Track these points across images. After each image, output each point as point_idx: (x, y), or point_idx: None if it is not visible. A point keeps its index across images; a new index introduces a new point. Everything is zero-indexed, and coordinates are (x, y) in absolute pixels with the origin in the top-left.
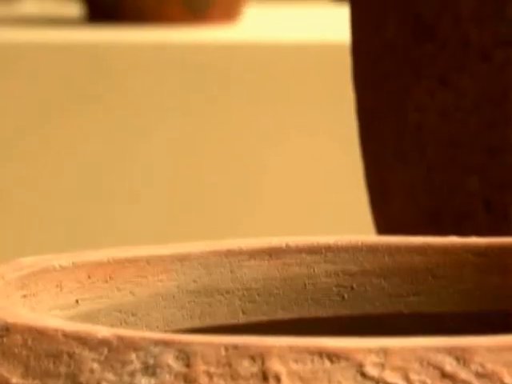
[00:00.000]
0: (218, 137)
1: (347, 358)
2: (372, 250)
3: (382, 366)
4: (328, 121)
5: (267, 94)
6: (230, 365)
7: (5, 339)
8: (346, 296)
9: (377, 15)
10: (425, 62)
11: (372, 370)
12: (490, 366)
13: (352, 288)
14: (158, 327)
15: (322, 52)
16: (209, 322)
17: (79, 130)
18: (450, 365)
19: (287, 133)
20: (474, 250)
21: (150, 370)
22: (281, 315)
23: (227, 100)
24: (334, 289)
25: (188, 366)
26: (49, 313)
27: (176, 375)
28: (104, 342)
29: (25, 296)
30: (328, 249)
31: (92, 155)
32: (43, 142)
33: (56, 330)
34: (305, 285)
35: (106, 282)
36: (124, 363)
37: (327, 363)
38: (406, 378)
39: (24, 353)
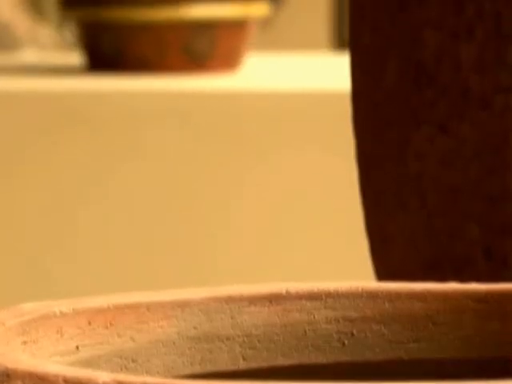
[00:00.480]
0: (217, 183)
1: None
2: (372, 296)
3: None
4: (328, 168)
5: (268, 142)
6: None
7: None
8: (346, 342)
9: (377, 62)
10: (425, 109)
11: None
12: None
13: (352, 334)
14: (158, 373)
15: (322, 100)
16: (209, 368)
17: (80, 176)
18: None
19: (287, 181)
20: (474, 297)
21: None
22: (281, 361)
23: (228, 148)
24: (334, 335)
25: None
26: (49, 359)
27: None
28: None
29: (25, 342)
30: (328, 295)
31: (90, 198)
32: (37, 190)
33: (56, 376)
34: (305, 331)
35: (107, 328)
36: None
37: None
38: None
39: None
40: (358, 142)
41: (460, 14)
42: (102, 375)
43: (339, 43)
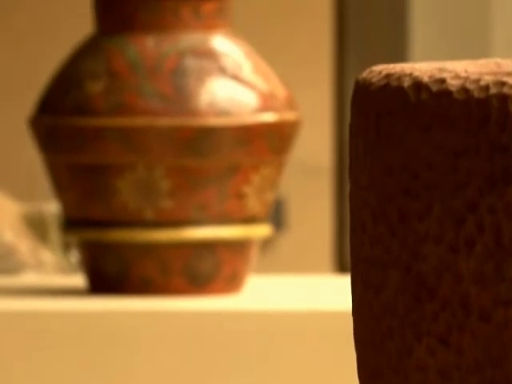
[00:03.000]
0: None
1: None
2: None
3: None
4: (329, 376)
5: (271, 362)
6: None
7: None
8: None
9: (377, 274)
10: (425, 321)
11: None
12: None
13: None
14: None
15: (323, 320)
16: None
17: None
18: None
19: None
20: None
21: None
22: None
23: (231, 367)
24: None
25: None
26: None
27: None
28: None
29: None
30: None
31: None
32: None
33: None
34: None
35: None
36: None
37: None
38: None
39: None
40: (359, 353)
41: (460, 227)
42: None
43: (340, 266)
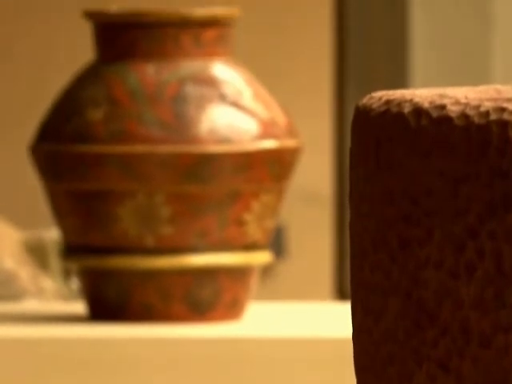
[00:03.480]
0: None
1: None
2: None
3: None
4: None
5: None
6: None
7: None
8: None
9: (378, 299)
10: (426, 347)
11: None
12: None
13: None
14: None
15: (324, 347)
16: None
17: None
18: None
19: None
20: None
21: None
22: None
23: None
24: None
25: None
26: None
27: None
28: None
29: None
30: None
31: None
32: None
33: None
34: None
35: None
36: None
37: None
38: None
39: None
40: (360, 380)
41: (460, 253)
42: None
43: (341, 294)
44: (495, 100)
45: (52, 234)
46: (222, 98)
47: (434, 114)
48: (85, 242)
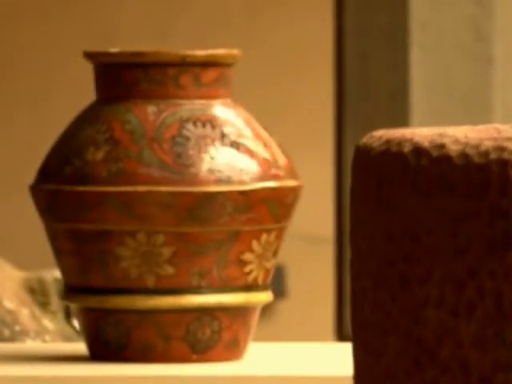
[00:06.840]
0: None
1: None
2: None
3: None
4: None
5: None
6: None
7: None
8: None
9: (378, 339)
10: None
11: None
12: None
13: None
14: None
15: None
16: None
17: None
18: None
19: None
20: None
21: None
22: None
23: None
24: None
25: None
26: None
27: None
28: None
29: None
30: None
31: None
32: None
33: None
34: None
35: None
36: None
37: None
38: None
39: None
40: None
41: (460, 291)
42: None
43: (341, 335)
44: (495, 139)
45: (52, 274)
46: (222, 138)
47: (434, 153)
48: (85, 281)
